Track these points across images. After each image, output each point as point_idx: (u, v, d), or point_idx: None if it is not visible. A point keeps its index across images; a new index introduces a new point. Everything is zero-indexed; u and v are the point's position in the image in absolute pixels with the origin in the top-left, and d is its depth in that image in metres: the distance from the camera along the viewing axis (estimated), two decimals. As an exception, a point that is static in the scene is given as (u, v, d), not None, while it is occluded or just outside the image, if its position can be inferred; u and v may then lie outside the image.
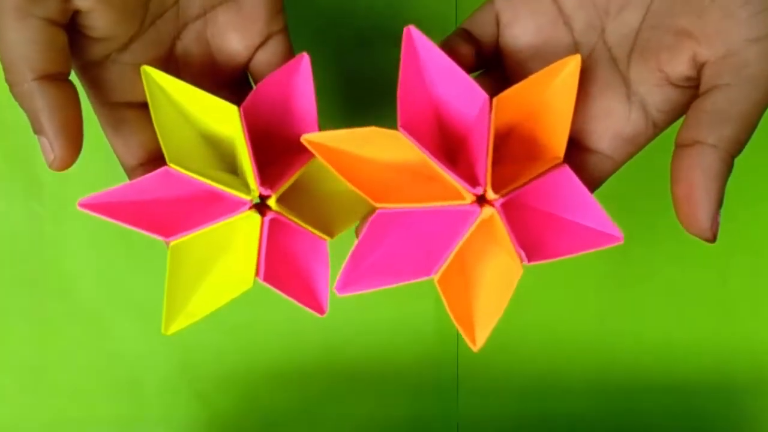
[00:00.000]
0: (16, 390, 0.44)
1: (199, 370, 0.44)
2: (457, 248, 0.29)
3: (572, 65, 0.29)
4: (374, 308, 0.43)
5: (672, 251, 0.43)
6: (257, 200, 0.29)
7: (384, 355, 0.44)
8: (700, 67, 0.28)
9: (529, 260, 0.29)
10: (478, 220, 0.28)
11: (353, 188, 0.29)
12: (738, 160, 0.44)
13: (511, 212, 0.28)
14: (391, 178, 0.30)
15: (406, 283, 0.30)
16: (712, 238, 0.27)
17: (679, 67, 0.28)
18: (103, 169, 0.42)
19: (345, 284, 0.30)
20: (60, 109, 0.28)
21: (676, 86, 0.29)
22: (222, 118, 0.30)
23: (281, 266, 0.31)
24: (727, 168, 0.27)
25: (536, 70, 0.29)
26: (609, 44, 0.30)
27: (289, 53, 0.33)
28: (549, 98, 0.29)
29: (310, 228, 0.31)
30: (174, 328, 0.30)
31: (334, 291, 0.30)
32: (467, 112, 0.29)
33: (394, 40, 0.42)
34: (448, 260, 0.29)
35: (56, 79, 0.28)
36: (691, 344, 0.44)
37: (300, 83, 0.31)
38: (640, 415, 0.45)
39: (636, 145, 0.30)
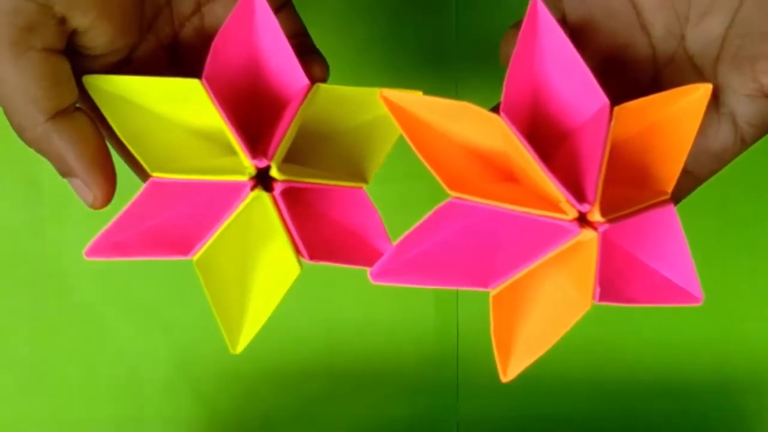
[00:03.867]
0: (16, 390, 0.44)
1: (199, 370, 0.44)
2: (533, 266, 0.24)
3: (701, 92, 0.25)
4: (374, 308, 0.43)
5: (672, 251, 0.44)
6: (253, 174, 0.25)
7: (384, 355, 0.44)
8: None
9: (600, 299, 0.25)
10: (573, 241, 0.24)
11: (427, 166, 0.24)
12: (738, 162, 0.44)
13: (604, 245, 0.24)
14: (468, 165, 0.26)
15: (456, 288, 0.26)
16: None
17: None
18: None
19: (383, 272, 0.25)
20: (84, 144, 0.26)
21: None
22: (190, 98, 0.26)
23: (325, 235, 0.27)
24: None
25: (607, 79, 0.25)
26: (690, 52, 0.27)
27: (299, 25, 0.30)
28: (669, 122, 0.26)
29: (335, 182, 0.26)
30: (242, 345, 0.27)
31: (369, 276, 0.25)
32: (575, 113, 0.25)
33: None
34: (515, 277, 0.25)
35: (69, 112, 0.25)
36: (690, 344, 0.44)
37: (261, 24, 0.26)
38: (640, 415, 0.44)
39: (721, 162, 0.28)
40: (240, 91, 0.27)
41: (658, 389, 0.44)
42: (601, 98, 0.24)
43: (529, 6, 0.24)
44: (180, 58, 0.29)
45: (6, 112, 0.25)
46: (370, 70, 0.42)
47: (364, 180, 0.27)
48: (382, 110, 0.26)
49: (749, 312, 0.44)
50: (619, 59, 0.27)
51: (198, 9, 0.29)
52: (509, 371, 0.26)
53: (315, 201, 0.27)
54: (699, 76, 0.27)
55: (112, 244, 0.26)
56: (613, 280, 0.25)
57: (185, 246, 0.26)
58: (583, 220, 0.24)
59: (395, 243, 0.25)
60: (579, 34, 0.26)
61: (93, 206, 0.27)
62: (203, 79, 0.25)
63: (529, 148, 0.23)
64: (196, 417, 0.44)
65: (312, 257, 0.26)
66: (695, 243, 0.44)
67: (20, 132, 0.25)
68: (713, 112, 0.27)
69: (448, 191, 0.24)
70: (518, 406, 0.44)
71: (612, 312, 0.44)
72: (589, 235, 0.24)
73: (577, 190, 0.23)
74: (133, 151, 0.26)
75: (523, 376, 0.44)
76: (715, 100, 0.26)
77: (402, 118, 0.24)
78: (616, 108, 0.24)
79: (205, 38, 0.28)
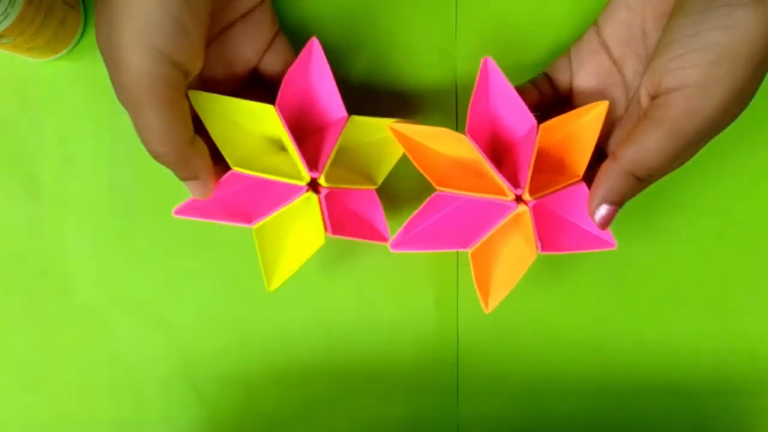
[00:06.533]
0: (16, 390, 0.44)
1: (199, 370, 0.44)
2: (492, 232, 0.37)
3: (600, 108, 0.36)
4: (374, 309, 0.43)
5: (671, 251, 0.43)
6: (308, 181, 0.35)
7: (384, 355, 0.44)
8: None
9: (542, 250, 0.37)
10: (513, 213, 0.36)
11: (421, 171, 0.37)
12: (736, 161, 0.45)
13: (536, 210, 0.36)
14: (448, 169, 0.38)
15: (446, 250, 0.40)
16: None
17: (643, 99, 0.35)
18: (102, 171, 0.42)
19: (398, 243, 0.38)
20: (207, 157, 0.35)
21: None
22: (263, 117, 0.36)
23: (343, 219, 0.38)
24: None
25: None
26: (644, 82, 0.35)
27: (291, 51, 0.38)
28: (579, 130, 0.37)
29: (357, 186, 0.38)
30: (274, 285, 0.37)
31: (389, 247, 0.38)
32: (516, 130, 0.37)
33: (393, 44, 0.42)
34: (483, 239, 0.37)
35: (193, 137, 0.34)
36: (690, 344, 0.44)
37: (316, 66, 0.36)
38: (639, 415, 0.45)
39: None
40: (295, 110, 0.37)
41: (658, 389, 0.44)
42: (531, 121, 0.36)
43: (482, 62, 0.36)
44: (204, 77, 0.37)
45: (147, 142, 0.33)
46: (370, 71, 0.42)
47: (375, 183, 0.39)
48: (387, 133, 0.38)
49: (749, 312, 0.44)
50: (604, 92, 0.38)
51: (220, 35, 0.37)
52: (489, 305, 0.38)
53: (340, 196, 0.38)
54: (648, 97, 0.35)
55: (194, 208, 0.37)
56: (551, 236, 0.37)
57: (248, 218, 0.37)
58: (519, 199, 0.36)
59: (404, 224, 0.38)
60: (577, 76, 0.39)
61: (206, 197, 0.36)
62: (276, 106, 0.35)
63: (483, 154, 0.35)
64: (196, 417, 0.44)
65: (334, 233, 0.37)
66: (695, 243, 0.44)
67: (159, 156, 0.33)
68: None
69: (436, 187, 0.37)
70: (518, 406, 0.44)
71: (611, 313, 0.44)
72: (523, 209, 0.36)
73: (514, 181, 0.36)
74: (221, 149, 0.35)
75: (523, 377, 0.44)
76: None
77: (404, 141, 0.37)
78: (541, 125, 0.35)
79: (223, 59, 0.37)
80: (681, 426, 0.45)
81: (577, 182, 0.37)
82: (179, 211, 0.37)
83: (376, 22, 0.41)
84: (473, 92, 0.36)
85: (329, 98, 0.37)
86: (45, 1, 0.36)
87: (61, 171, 0.42)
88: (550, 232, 0.37)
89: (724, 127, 0.34)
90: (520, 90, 0.38)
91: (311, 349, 0.43)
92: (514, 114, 0.37)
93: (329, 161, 0.35)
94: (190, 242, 0.43)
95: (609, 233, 0.37)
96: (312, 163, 0.35)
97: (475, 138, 0.35)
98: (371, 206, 0.39)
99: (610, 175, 0.34)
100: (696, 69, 0.31)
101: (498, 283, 0.38)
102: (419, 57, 0.41)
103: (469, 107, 0.36)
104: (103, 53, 0.32)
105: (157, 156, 0.33)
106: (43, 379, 0.44)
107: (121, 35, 0.30)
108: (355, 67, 0.41)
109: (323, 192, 0.36)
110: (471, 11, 0.41)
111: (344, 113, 0.37)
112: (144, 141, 0.33)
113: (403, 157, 0.38)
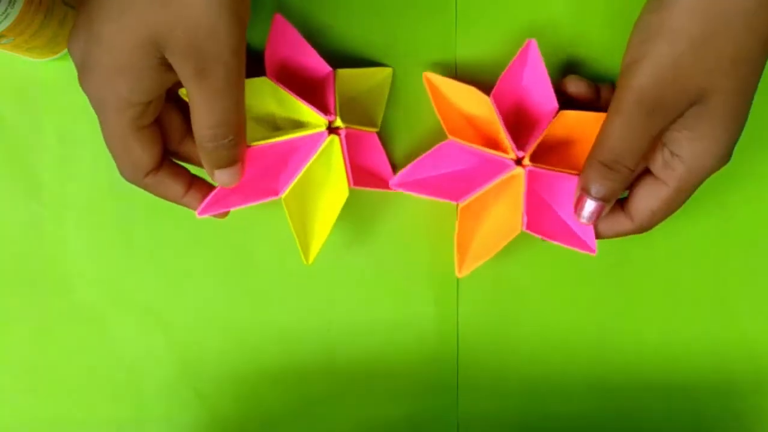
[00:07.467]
0: (16, 390, 0.44)
1: (199, 371, 0.44)
2: (485, 189, 0.38)
3: None
4: (374, 308, 0.43)
5: (671, 251, 0.43)
6: (327, 126, 0.37)
7: (384, 355, 0.44)
8: None
9: (527, 227, 0.37)
10: (509, 173, 0.38)
11: (440, 119, 0.40)
12: (737, 161, 0.45)
13: (531, 187, 0.38)
14: (464, 125, 0.40)
15: (440, 199, 0.39)
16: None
17: None
18: (102, 171, 0.42)
19: (399, 183, 0.39)
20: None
21: None
22: (260, 90, 0.37)
23: (356, 169, 0.39)
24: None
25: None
26: None
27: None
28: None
29: (364, 128, 0.39)
30: (312, 256, 0.38)
31: (390, 184, 0.39)
32: (541, 111, 0.39)
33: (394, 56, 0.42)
34: (474, 197, 0.39)
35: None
36: (690, 344, 0.44)
37: (286, 39, 0.39)
38: (639, 415, 0.45)
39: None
40: (280, 75, 0.39)
41: (658, 389, 0.44)
42: (554, 104, 0.39)
43: (525, 43, 0.38)
44: None
45: (215, 127, 0.33)
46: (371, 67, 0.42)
47: (376, 126, 0.41)
48: (374, 81, 0.40)
49: (749, 312, 0.44)
50: None
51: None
52: (463, 270, 0.39)
53: (350, 151, 0.38)
54: None
55: (218, 201, 0.37)
56: (537, 220, 0.38)
57: (271, 191, 0.38)
58: (519, 163, 0.38)
59: (409, 165, 0.39)
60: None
61: (236, 183, 0.36)
62: (269, 76, 0.38)
63: (499, 116, 0.38)
64: (196, 417, 0.44)
65: (355, 184, 0.38)
66: (695, 243, 0.44)
67: (218, 139, 0.33)
68: None
69: (448, 135, 0.39)
70: (518, 406, 0.44)
71: (611, 312, 0.44)
72: (518, 171, 0.38)
73: (522, 146, 0.38)
74: None
75: (522, 376, 0.44)
76: None
77: (432, 91, 0.40)
78: (560, 112, 0.38)
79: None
80: (681, 426, 0.45)
81: (576, 175, 0.38)
82: (203, 210, 0.36)
83: (375, 21, 0.41)
84: (508, 65, 0.38)
85: (308, 61, 0.39)
86: (45, 1, 0.36)
87: (61, 171, 0.42)
88: (538, 216, 0.38)
89: (675, 103, 0.34)
90: (579, 80, 0.39)
91: (311, 349, 0.43)
92: (542, 95, 0.39)
93: (337, 103, 0.37)
94: (190, 242, 0.43)
95: (593, 239, 0.38)
96: (326, 112, 0.37)
97: (498, 104, 0.38)
98: (375, 150, 0.41)
99: (586, 165, 0.36)
100: (631, 49, 0.35)
101: (476, 249, 0.39)
102: (419, 56, 0.41)
103: (500, 77, 0.38)
104: (183, 51, 0.30)
105: (214, 139, 0.33)
106: (43, 379, 0.44)
107: (216, 15, 0.29)
108: (355, 67, 0.41)
109: (343, 133, 0.37)
110: (471, 10, 0.41)
111: (328, 68, 0.39)
112: (211, 127, 0.32)
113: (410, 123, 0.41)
